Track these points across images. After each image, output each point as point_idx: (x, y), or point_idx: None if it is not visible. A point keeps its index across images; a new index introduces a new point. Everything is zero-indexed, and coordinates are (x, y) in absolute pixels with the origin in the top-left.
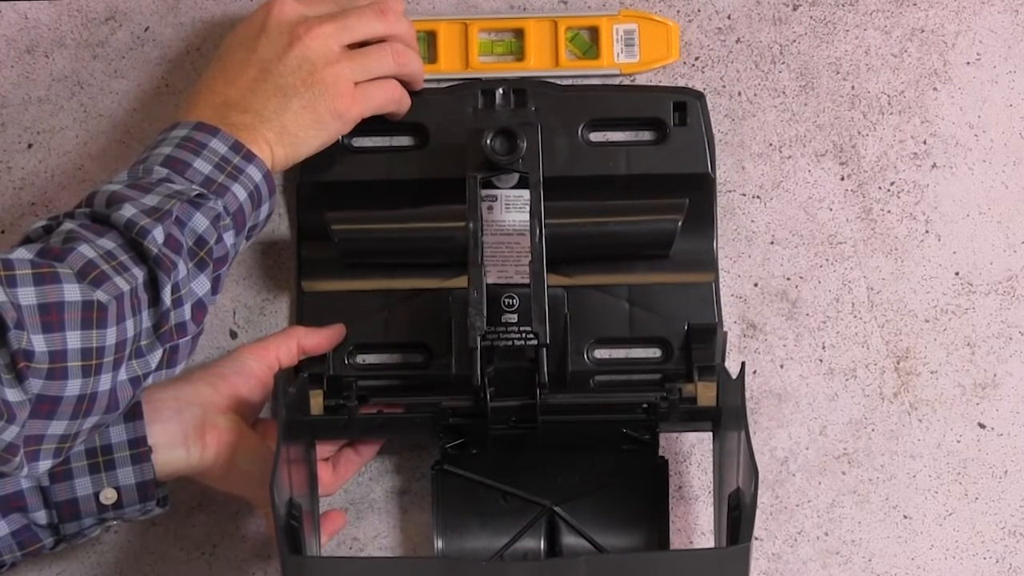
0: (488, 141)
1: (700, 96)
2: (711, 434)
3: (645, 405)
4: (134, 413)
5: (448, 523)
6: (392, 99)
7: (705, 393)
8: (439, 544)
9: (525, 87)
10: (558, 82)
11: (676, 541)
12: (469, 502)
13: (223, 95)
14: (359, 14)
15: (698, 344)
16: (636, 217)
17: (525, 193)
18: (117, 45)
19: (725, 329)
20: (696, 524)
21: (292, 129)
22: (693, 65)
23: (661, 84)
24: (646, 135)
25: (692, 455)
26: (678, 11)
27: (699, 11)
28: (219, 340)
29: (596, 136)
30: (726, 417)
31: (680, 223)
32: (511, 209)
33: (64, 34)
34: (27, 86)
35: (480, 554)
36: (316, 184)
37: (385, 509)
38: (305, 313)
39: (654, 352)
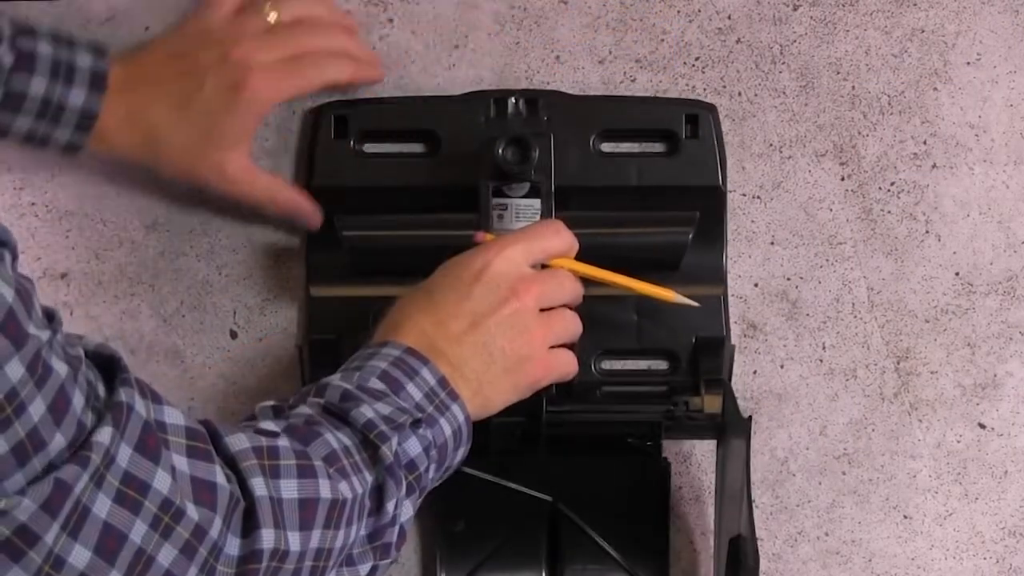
0: (500, 150)
1: (712, 109)
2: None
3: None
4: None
5: (450, 516)
6: (569, 372)
7: (711, 406)
8: (440, 538)
9: (537, 97)
10: (570, 91)
11: (677, 541)
12: (471, 496)
13: (429, 337)
14: (560, 281)
15: (705, 357)
16: (646, 229)
17: (536, 203)
18: (117, 45)
19: (733, 343)
20: (697, 524)
21: (488, 392)
22: (693, 65)
23: (668, 93)
24: (658, 147)
25: (693, 455)
26: (678, 11)
27: (699, 11)
28: (219, 340)
29: (607, 147)
30: (731, 428)
31: (691, 236)
32: (521, 218)
33: None
34: None
35: (481, 547)
36: (326, 189)
37: None
38: (313, 318)
39: (661, 364)
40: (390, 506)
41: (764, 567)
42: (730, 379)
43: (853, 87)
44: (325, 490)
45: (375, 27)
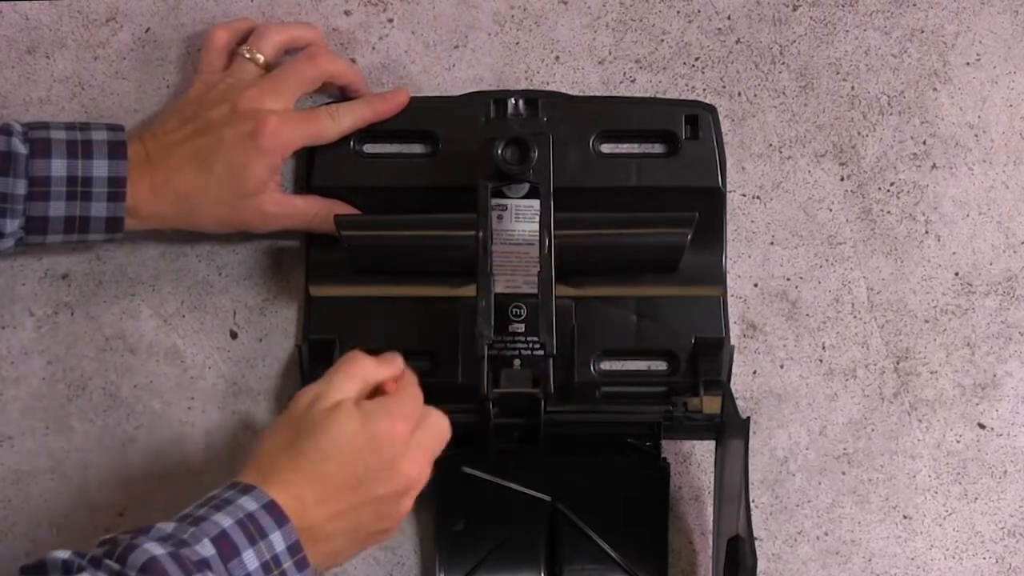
0: (500, 150)
1: (712, 109)
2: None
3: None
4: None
5: (449, 516)
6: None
7: (710, 406)
8: (439, 537)
9: (537, 97)
10: (570, 91)
11: (676, 541)
12: (470, 495)
13: (306, 509)
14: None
15: (705, 358)
16: (645, 230)
17: (535, 203)
18: (118, 46)
19: (732, 343)
20: (696, 524)
21: (336, 560)
22: (693, 66)
23: (667, 94)
24: (657, 147)
25: (693, 455)
26: (678, 11)
27: (699, 11)
28: (219, 340)
29: (607, 147)
30: (729, 429)
31: (689, 237)
32: (521, 219)
33: (65, 35)
34: (28, 87)
35: (480, 547)
36: (326, 189)
37: None
38: (312, 318)
39: (660, 365)
40: None
41: (764, 567)
42: (729, 380)
43: (853, 87)
44: None
45: (375, 27)
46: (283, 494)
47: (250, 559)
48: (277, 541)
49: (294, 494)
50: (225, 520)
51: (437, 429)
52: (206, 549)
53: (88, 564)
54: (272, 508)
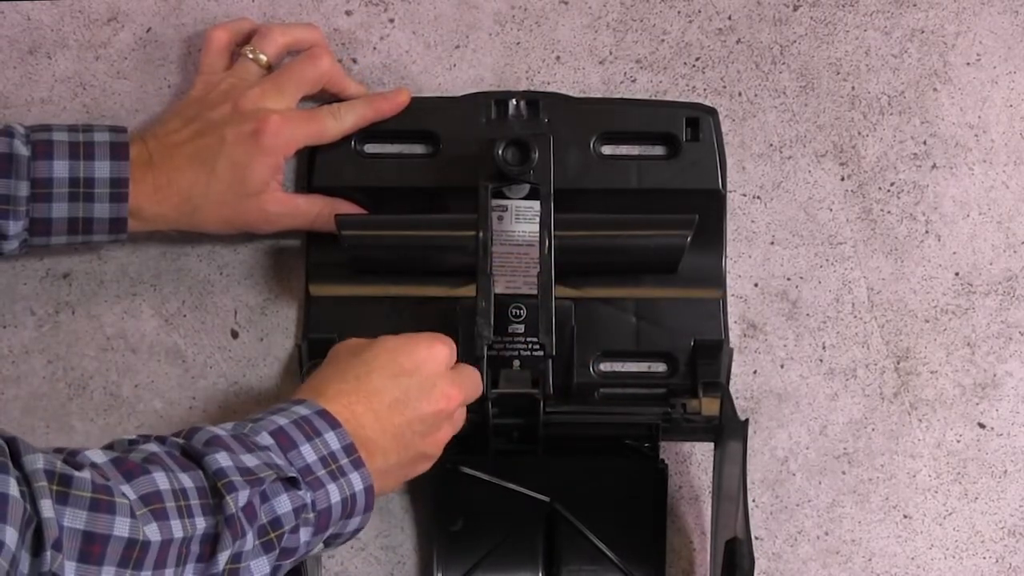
0: (500, 151)
1: (713, 112)
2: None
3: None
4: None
5: (448, 515)
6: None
7: (709, 408)
8: (437, 537)
9: (538, 98)
10: (570, 91)
11: (676, 541)
12: (469, 495)
13: (358, 418)
14: (476, 379)
15: (704, 360)
16: (645, 232)
17: (535, 204)
18: (119, 46)
19: (731, 345)
20: (696, 524)
21: (383, 482)
22: (693, 66)
23: (668, 94)
24: (658, 149)
25: (693, 455)
26: (679, 11)
27: (699, 11)
28: (220, 340)
29: (608, 149)
30: (727, 431)
31: (689, 239)
32: (521, 220)
33: (66, 35)
34: (30, 87)
35: (478, 547)
36: (327, 189)
37: (387, 509)
38: (312, 317)
39: (660, 366)
40: (222, 557)
41: (764, 566)
42: (728, 382)
43: (853, 87)
44: (122, 528)
45: (376, 27)
46: (335, 404)
47: (307, 452)
48: (332, 440)
49: (345, 404)
50: (281, 420)
51: (473, 376)
52: (265, 440)
53: (154, 440)
54: (324, 414)
